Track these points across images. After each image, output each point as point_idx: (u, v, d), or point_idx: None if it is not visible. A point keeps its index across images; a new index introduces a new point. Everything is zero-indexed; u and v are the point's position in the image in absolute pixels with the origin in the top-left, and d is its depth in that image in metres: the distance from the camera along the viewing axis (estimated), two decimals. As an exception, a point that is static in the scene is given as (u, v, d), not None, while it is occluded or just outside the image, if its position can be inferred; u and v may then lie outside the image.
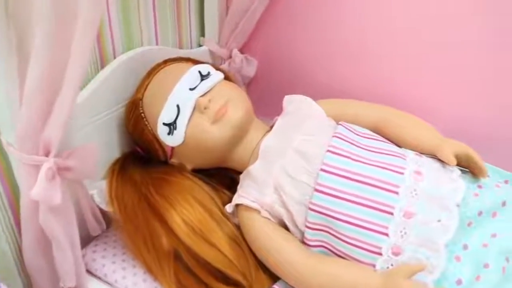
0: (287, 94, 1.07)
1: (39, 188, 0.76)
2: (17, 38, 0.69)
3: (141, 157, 1.04)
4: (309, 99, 1.02)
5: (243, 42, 1.28)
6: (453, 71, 1.10)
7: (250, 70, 1.33)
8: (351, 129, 0.93)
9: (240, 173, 0.97)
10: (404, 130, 0.96)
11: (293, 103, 1.02)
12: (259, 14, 1.21)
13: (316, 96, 1.05)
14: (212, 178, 1.02)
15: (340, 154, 0.86)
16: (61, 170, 0.80)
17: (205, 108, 0.92)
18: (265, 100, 1.26)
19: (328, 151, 0.86)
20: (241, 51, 1.31)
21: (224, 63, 1.30)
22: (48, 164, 0.77)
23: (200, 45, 1.30)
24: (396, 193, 0.82)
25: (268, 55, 1.32)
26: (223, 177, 1.04)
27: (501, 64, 1.04)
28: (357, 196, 0.83)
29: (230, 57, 1.29)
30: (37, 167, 0.77)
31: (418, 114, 1.01)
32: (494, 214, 0.86)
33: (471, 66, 1.08)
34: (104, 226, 1.02)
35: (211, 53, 1.28)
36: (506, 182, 0.98)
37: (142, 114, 0.98)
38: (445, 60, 1.09)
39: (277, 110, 1.06)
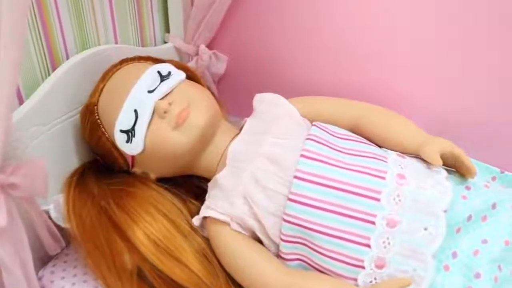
0: (260, 92, 0.99)
1: (-21, 209, 0.68)
2: None
3: (103, 166, 0.96)
4: (281, 98, 0.94)
5: (211, 38, 1.20)
6: (440, 67, 1.03)
7: (220, 66, 1.24)
8: (326, 129, 0.85)
9: (209, 180, 0.89)
10: (384, 129, 0.88)
11: (264, 102, 0.94)
12: (226, 7, 1.13)
13: (291, 94, 0.98)
14: (179, 187, 0.94)
15: (314, 159, 0.78)
16: (5, 187, 0.72)
17: (165, 112, 0.83)
18: (237, 99, 1.18)
19: (302, 155, 0.78)
20: (209, 47, 1.22)
21: (192, 60, 1.21)
22: (-11, 181, 0.69)
23: (165, 42, 1.21)
24: (378, 199, 0.74)
25: (238, 50, 1.23)
26: (191, 185, 0.96)
27: (490, 60, 0.98)
28: (335, 204, 0.75)
29: (198, 53, 1.20)
30: (-24, 185, 0.69)
31: (403, 111, 0.95)
32: (484, 218, 0.79)
33: (459, 62, 1.01)
34: (63, 244, 0.94)
35: (177, 50, 1.20)
36: (493, 179, 0.92)
37: (98, 121, 0.89)
38: (432, 56, 1.02)
39: (250, 109, 0.98)
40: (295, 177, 0.77)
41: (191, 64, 1.17)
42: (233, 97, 1.20)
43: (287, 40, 1.15)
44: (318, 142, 0.80)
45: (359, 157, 0.79)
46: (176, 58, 1.18)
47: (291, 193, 0.76)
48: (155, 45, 1.19)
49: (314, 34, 1.12)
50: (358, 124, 0.91)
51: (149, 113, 0.84)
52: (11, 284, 0.78)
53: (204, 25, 1.14)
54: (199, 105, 0.85)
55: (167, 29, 1.20)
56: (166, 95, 0.86)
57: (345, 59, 1.11)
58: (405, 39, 1.03)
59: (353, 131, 0.89)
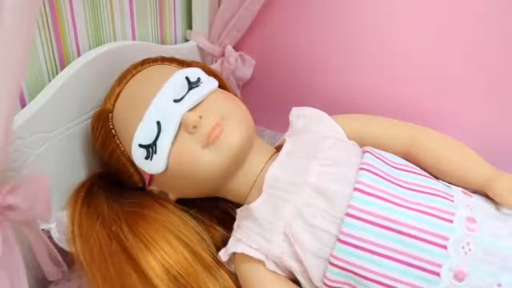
0: (289, 100, 0.88)
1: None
2: None
3: (114, 180, 0.84)
4: (323, 114, 0.82)
5: (239, 38, 1.07)
6: (494, 82, 0.90)
7: (247, 71, 1.11)
8: (381, 157, 0.72)
9: (237, 205, 0.77)
10: (442, 158, 0.75)
11: (302, 118, 0.82)
12: (259, 5, 1.00)
13: (325, 107, 0.85)
14: (201, 210, 0.82)
15: (370, 194, 0.65)
16: (1, 210, 0.60)
17: (194, 127, 0.71)
18: (264, 107, 1.07)
19: (356, 189, 0.66)
20: (236, 48, 1.09)
21: (215, 62, 1.08)
22: (-19, 203, 0.57)
23: (186, 40, 1.08)
24: (444, 247, 0.63)
25: (267, 53, 1.10)
26: (215, 208, 0.84)
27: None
28: (393, 250, 0.63)
29: (223, 55, 1.07)
30: (-33, 207, 0.57)
31: (449, 131, 0.83)
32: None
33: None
34: (65, 268, 0.82)
35: (200, 49, 1.07)
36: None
37: (113, 131, 0.77)
38: (485, 69, 0.90)
39: (276, 120, 0.88)
40: (348, 214, 0.64)
41: (214, 67, 1.04)
42: (259, 106, 1.07)
43: (322, 45, 1.03)
44: (374, 173, 0.68)
45: (421, 193, 0.67)
46: (197, 59, 1.05)
47: (342, 233, 0.64)
48: (175, 43, 1.07)
49: (351, 41, 1.00)
50: (411, 150, 0.78)
51: (174, 126, 0.71)
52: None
53: (233, 24, 1.01)
54: (234, 120, 0.73)
55: (189, 26, 1.08)
56: (195, 106, 0.74)
57: (382, 68, 0.99)
58: (448, 47, 0.91)
59: (405, 158, 0.77)
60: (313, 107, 0.85)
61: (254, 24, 1.05)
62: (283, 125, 0.99)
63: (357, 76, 1.01)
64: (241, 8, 0.98)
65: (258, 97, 1.14)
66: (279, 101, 1.09)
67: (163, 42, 1.03)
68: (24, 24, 0.49)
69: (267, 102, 1.11)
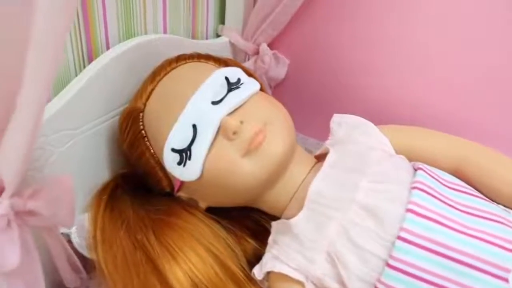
0: (324, 103, 0.83)
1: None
2: None
3: (139, 182, 0.79)
4: (369, 123, 0.75)
5: (273, 36, 1.00)
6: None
7: (280, 71, 1.05)
8: (434, 175, 0.66)
9: (273, 217, 0.72)
10: (495, 177, 0.68)
11: (345, 125, 0.75)
12: (301, 1, 0.93)
13: (365, 112, 0.79)
14: (232, 220, 0.77)
15: (425, 216, 0.59)
16: (21, 215, 0.56)
17: (234, 133, 0.65)
18: (296, 110, 0.99)
19: (409, 210, 0.60)
20: (270, 46, 1.03)
21: (248, 60, 1.03)
22: (1, 208, 0.53)
23: (218, 35, 1.03)
24: (506, 280, 0.56)
25: (303, 52, 1.04)
26: (247, 219, 0.79)
27: None
28: (447, 279, 0.57)
29: (257, 53, 1.01)
30: (-16, 212, 0.53)
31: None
32: None
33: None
34: (84, 275, 0.77)
35: (232, 46, 1.01)
36: None
37: (143, 132, 0.72)
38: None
39: (310, 123, 0.86)
40: (399, 237, 0.58)
41: (247, 66, 0.98)
42: (288, 108, 1.02)
43: (363, 48, 0.96)
44: (428, 193, 0.61)
45: (478, 218, 0.61)
46: (229, 56, 1.00)
47: (392, 257, 0.58)
48: (206, 38, 1.01)
49: (395, 45, 0.93)
50: (461, 166, 0.71)
51: (213, 131, 0.65)
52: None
53: (270, 21, 0.94)
54: (277, 126, 0.67)
55: (222, 21, 1.02)
56: (235, 110, 0.68)
57: (430, 73, 0.92)
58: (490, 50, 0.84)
59: (453, 175, 0.70)
60: (351, 112, 0.79)
61: (290, 21, 0.98)
62: (316, 130, 0.93)
63: (402, 80, 0.94)
64: (280, 4, 0.92)
65: (291, 99, 1.07)
66: (313, 104, 1.03)
67: (194, 36, 0.97)
68: (59, 26, 0.44)
69: (300, 105, 1.05)
